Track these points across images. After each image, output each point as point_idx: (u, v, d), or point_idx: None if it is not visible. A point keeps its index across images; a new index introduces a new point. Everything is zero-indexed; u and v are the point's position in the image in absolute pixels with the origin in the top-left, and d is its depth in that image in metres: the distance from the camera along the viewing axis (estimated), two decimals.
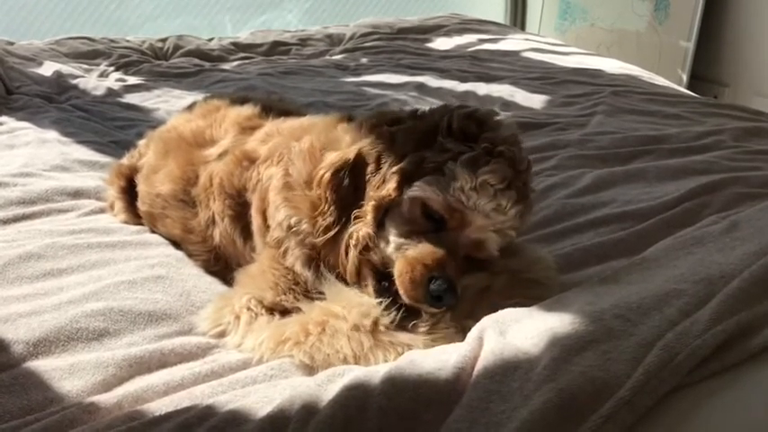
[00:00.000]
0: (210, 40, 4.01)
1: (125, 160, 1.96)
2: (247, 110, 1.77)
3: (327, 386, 1.07)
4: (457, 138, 1.28)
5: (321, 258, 1.34)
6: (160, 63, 3.61)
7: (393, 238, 1.26)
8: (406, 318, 1.24)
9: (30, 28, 4.24)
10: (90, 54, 3.60)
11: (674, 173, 1.96)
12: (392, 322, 1.23)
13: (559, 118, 2.57)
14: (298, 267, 1.35)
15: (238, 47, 3.90)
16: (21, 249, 1.59)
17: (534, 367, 1.02)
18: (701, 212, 1.69)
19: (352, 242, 1.28)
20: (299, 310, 1.31)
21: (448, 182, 1.23)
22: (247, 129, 1.67)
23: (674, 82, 3.42)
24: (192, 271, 1.60)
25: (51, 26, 4.29)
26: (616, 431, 0.94)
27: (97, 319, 1.33)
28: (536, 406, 0.95)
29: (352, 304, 1.24)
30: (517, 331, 1.12)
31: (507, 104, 2.82)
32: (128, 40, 3.86)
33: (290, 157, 1.40)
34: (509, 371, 1.03)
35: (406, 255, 1.23)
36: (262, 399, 1.09)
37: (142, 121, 2.62)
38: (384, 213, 1.28)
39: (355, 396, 1.02)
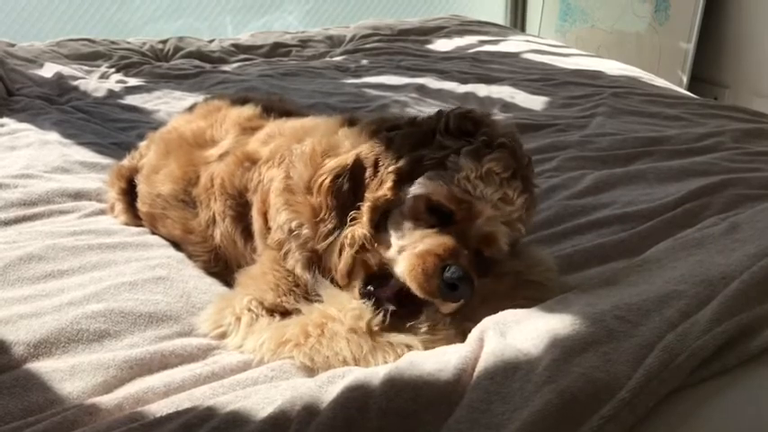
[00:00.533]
0: (211, 41, 4.01)
1: (125, 162, 1.96)
2: (248, 110, 1.78)
3: (328, 387, 1.07)
4: (454, 136, 1.29)
5: (320, 262, 1.33)
6: (161, 64, 3.61)
7: (395, 240, 1.25)
8: (401, 321, 1.23)
9: (31, 29, 4.25)
10: (91, 56, 3.60)
11: (675, 174, 1.96)
12: (383, 322, 1.22)
13: (560, 119, 2.57)
14: (298, 270, 1.35)
15: (239, 48, 3.91)
16: (21, 251, 1.59)
17: (535, 368, 1.02)
18: (701, 214, 1.69)
19: (347, 241, 1.27)
20: (299, 311, 1.31)
21: (452, 174, 1.22)
22: (248, 129, 1.67)
23: (674, 83, 3.42)
24: (193, 272, 1.60)
25: (52, 28, 4.29)
26: None
27: (98, 321, 1.34)
28: (537, 407, 0.95)
29: (346, 308, 1.24)
30: (518, 332, 1.12)
31: (507, 106, 2.82)
32: (128, 42, 3.87)
33: (292, 159, 1.40)
34: (510, 372, 1.03)
35: (414, 250, 1.20)
36: (263, 400, 1.09)
37: (143, 123, 2.62)
38: (384, 216, 1.28)
39: (356, 397, 1.02)
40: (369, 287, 1.26)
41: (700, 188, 1.80)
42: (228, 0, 4.80)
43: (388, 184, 1.26)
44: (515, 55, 3.71)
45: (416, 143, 1.29)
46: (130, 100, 2.98)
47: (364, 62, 3.66)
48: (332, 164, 1.32)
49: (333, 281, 1.32)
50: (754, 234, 1.37)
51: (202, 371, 1.22)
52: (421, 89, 3.08)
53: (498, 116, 2.65)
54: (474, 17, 4.72)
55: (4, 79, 2.91)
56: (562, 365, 1.01)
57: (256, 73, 3.40)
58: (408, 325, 1.23)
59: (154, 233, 1.79)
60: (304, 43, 4.04)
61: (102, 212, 1.92)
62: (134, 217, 1.84)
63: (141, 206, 1.79)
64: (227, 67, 3.58)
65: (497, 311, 1.20)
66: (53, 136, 2.42)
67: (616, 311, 1.12)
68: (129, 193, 1.86)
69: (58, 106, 2.81)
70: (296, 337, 1.24)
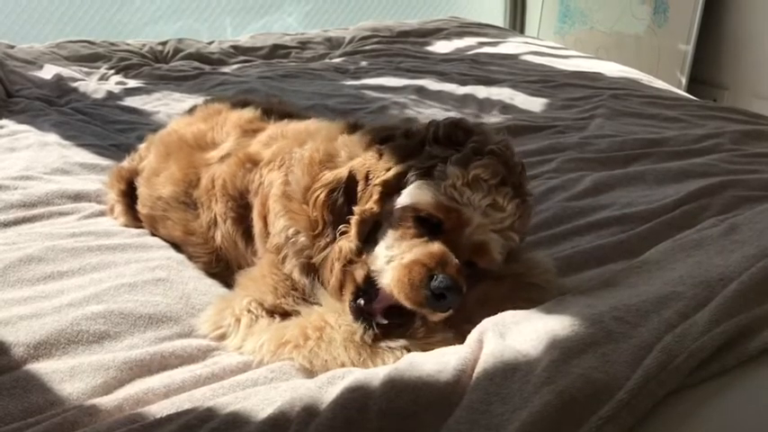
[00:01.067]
0: (211, 43, 4.02)
1: (125, 163, 1.97)
2: (248, 113, 1.78)
3: (328, 388, 1.08)
4: (443, 144, 1.27)
5: (317, 270, 1.33)
6: (160, 66, 3.61)
7: (384, 251, 1.23)
8: (392, 334, 1.22)
9: (30, 31, 4.25)
10: (90, 57, 3.61)
11: (674, 176, 1.97)
12: (374, 338, 1.20)
13: (559, 121, 2.58)
14: (296, 275, 1.35)
15: (238, 50, 3.91)
16: (21, 252, 1.59)
17: (534, 369, 1.03)
18: (700, 215, 1.69)
19: (335, 256, 1.26)
20: (298, 313, 1.31)
21: (438, 182, 1.21)
22: (249, 131, 1.68)
23: (673, 85, 3.43)
24: (193, 273, 1.60)
25: (52, 29, 4.30)
26: None
27: (98, 322, 1.34)
28: (536, 408, 0.95)
29: (340, 321, 1.23)
30: (517, 334, 1.12)
31: (507, 108, 2.82)
32: (128, 44, 3.87)
33: (291, 163, 1.40)
34: (509, 373, 1.04)
35: (401, 261, 1.19)
36: (262, 401, 1.09)
37: (142, 125, 2.63)
38: (373, 229, 1.27)
39: (356, 398, 1.02)
40: (359, 301, 1.23)
41: (698, 190, 1.81)
42: (228, 2, 4.81)
43: (375, 197, 1.25)
44: (514, 57, 3.72)
45: (406, 154, 1.28)
46: (130, 101, 2.98)
47: (363, 64, 3.67)
48: (327, 177, 1.31)
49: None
50: (752, 235, 1.38)
51: (202, 372, 1.22)
52: (420, 91, 3.09)
53: (494, 119, 2.65)
54: (473, 19, 4.73)
55: (3, 81, 2.91)
56: (561, 366, 1.01)
57: (256, 74, 3.40)
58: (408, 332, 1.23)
59: (154, 235, 1.79)
60: (303, 45, 4.04)
61: (101, 214, 1.92)
62: (134, 218, 1.84)
63: (142, 208, 1.80)
64: (226, 69, 3.58)
65: (497, 314, 1.20)
66: (53, 137, 2.42)
67: (615, 313, 1.12)
68: (129, 194, 1.86)
69: (57, 108, 2.82)
70: (295, 338, 1.24)
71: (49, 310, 1.39)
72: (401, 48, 3.95)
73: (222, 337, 1.35)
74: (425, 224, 1.22)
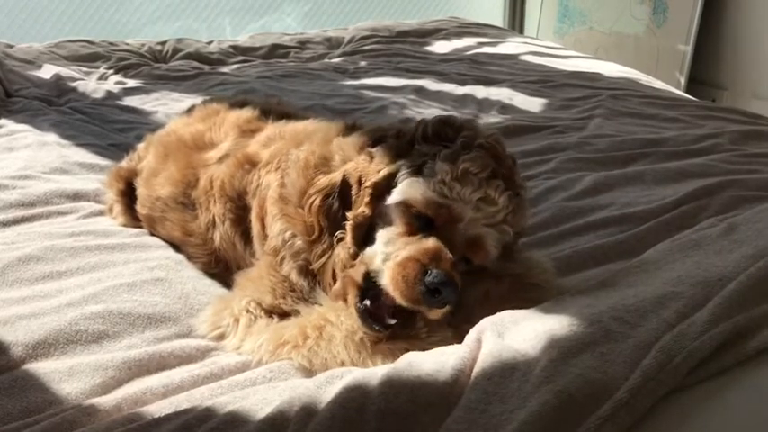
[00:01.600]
0: (210, 43, 4.02)
1: (124, 163, 1.96)
2: (246, 113, 1.78)
3: (326, 388, 1.08)
4: (432, 142, 1.27)
5: (316, 276, 1.33)
6: (159, 66, 3.61)
7: (380, 250, 1.22)
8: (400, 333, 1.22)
9: (29, 31, 4.25)
10: (89, 57, 3.61)
11: (673, 176, 1.97)
12: (380, 339, 1.20)
13: (558, 121, 2.58)
14: (294, 277, 1.35)
15: (237, 50, 3.91)
16: (20, 252, 1.59)
17: (532, 369, 1.03)
18: (698, 215, 1.69)
19: (336, 265, 1.27)
20: (297, 312, 1.31)
21: (428, 180, 1.20)
22: (248, 132, 1.68)
23: (672, 85, 3.43)
24: (191, 273, 1.60)
25: (51, 29, 4.30)
26: None
27: (96, 322, 1.34)
28: (534, 407, 0.95)
29: (343, 317, 1.23)
30: (515, 333, 1.12)
31: (506, 108, 2.82)
32: (127, 43, 3.87)
33: (287, 166, 1.40)
34: (507, 373, 1.04)
35: (396, 259, 1.18)
36: (261, 400, 1.09)
37: (141, 124, 2.62)
38: (370, 230, 1.26)
39: (354, 398, 1.02)
40: (365, 302, 1.22)
41: (697, 190, 1.81)
42: (227, 2, 4.81)
43: (366, 199, 1.25)
44: (514, 57, 3.72)
45: (395, 155, 1.28)
46: (129, 101, 2.98)
47: (363, 64, 3.67)
48: (322, 182, 1.31)
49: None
50: (751, 235, 1.38)
51: (201, 372, 1.22)
52: (419, 91, 3.09)
53: (493, 119, 2.65)
54: (472, 19, 4.73)
55: (2, 80, 2.91)
56: (560, 366, 1.01)
57: (255, 74, 3.40)
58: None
59: (153, 235, 1.79)
60: (302, 45, 4.04)
61: (100, 214, 1.92)
62: (133, 218, 1.84)
63: (141, 209, 1.80)
64: (225, 69, 3.59)
65: (494, 311, 1.20)
66: (51, 137, 2.42)
67: (614, 312, 1.12)
68: (128, 194, 1.86)
69: (56, 107, 2.82)
70: (294, 338, 1.24)
71: (47, 309, 1.39)
72: (400, 48, 3.95)
73: (221, 337, 1.34)
74: (418, 221, 1.21)
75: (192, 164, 1.68)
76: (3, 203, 1.86)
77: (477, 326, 1.17)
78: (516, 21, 5.53)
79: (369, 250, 1.24)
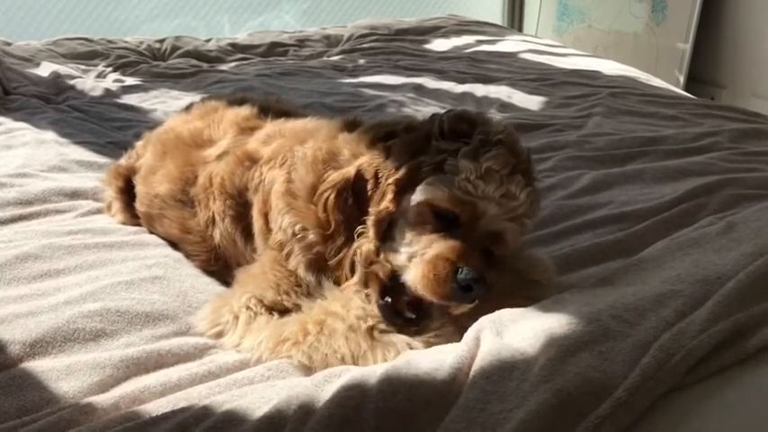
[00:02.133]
0: (208, 40, 4.01)
1: (123, 161, 1.96)
2: (245, 110, 1.77)
3: (324, 386, 1.07)
4: (450, 138, 1.28)
5: (325, 266, 1.33)
6: (158, 64, 3.60)
7: (404, 249, 1.24)
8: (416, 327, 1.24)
9: (27, 28, 4.24)
10: (88, 55, 3.60)
11: (672, 174, 1.97)
12: (387, 332, 1.22)
13: (557, 119, 2.58)
14: (301, 271, 1.35)
15: (236, 48, 3.90)
16: (18, 250, 1.58)
17: (531, 368, 1.03)
18: (697, 213, 1.69)
19: (357, 258, 1.27)
20: (298, 308, 1.31)
21: (451, 177, 1.22)
22: (246, 129, 1.67)
23: (671, 83, 3.43)
24: (190, 271, 1.60)
25: (49, 27, 4.29)
26: (613, 431, 0.94)
27: (94, 320, 1.33)
28: (533, 406, 0.95)
29: (351, 305, 1.24)
30: (514, 332, 1.12)
31: (505, 106, 2.82)
32: (125, 41, 3.86)
33: (294, 161, 1.40)
34: (506, 371, 1.03)
35: (424, 257, 1.20)
36: (259, 399, 1.09)
37: (140, 122, 2.62)
38: (390, 226, 1.27)
39: (352, 396, 1.02)
40: (386, 299, 1.25)
41: (696, 188, 1.81)
42: None
43: (389, 196, 1.26)
44: (513, 55, 3.71)
45: (414, 151, 1.29)
46: (127, 99, 2.98)
47: (361, 62, 3.66)
48: (334, 177, 1.32)
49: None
50: (750, 233, 1.38)
51: (199, 370, 1.21)
52: (418, 89, 3.08)
53: (494, 114, 2.65)
54: (471, 17, 4.72)
55: (0, 78, 2.90)
56: (558, 365, 1.01)
57: (253, 72, 3.40)
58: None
59: (152, 233, 1.78)
60: (301, 43, 4.04)
61: (98, 212, 1.92)
62: (131, 216, 1.84)
63: (139, 206, 1.79)
64: (224, 67, 3.58)
65: (495, 308, 1.20)
66: (50, 135, 2.42)
67: (612, 311, 1.12)
68: (127, 191, 1.86)
69: (54, 105, 2.81)
70: (294, 335, 1.24)
71: (45, 308, 1.38)
72: (399, 46, 3.94)
73: (220, 334, 1.34)
74: (442, 219, 1.23)
75: (191, 161, 1.67)
76: (0, 201, 1.86)
77: (475, 324, 1.17)
78: (515, 19, 5.53)
79: (392, 247, 1.26)
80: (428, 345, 1.20)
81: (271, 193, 1.42)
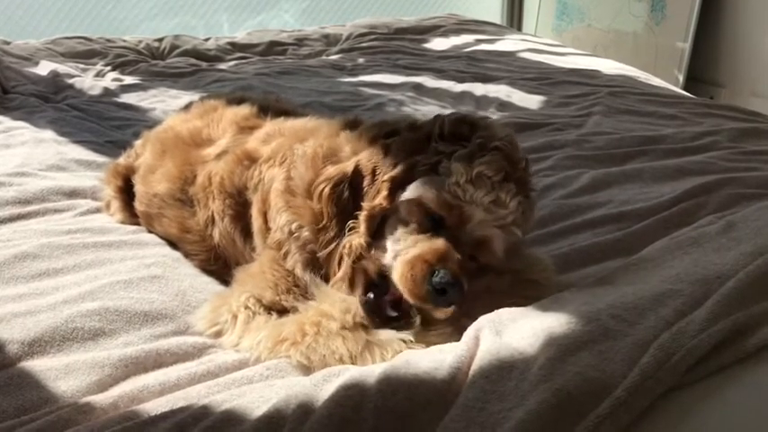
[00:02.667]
0: (207, 39, 4.00)
1: (122, 160, 1.96)
2: (245, 110, 1.77)
3: (323, 386, 1.07)
4: (449, 141, 1.27)
5: (319, 264, 1.33)
6: (157, 63, 3.60)
7: (391, 245, 1.24)
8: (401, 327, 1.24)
9: (26, 27, 4.23)
10: (86, 54, 3.59)
11: (671, 173, 1.97)
12: (386, 325, 1.22)
13: (556, 118, 2.57)
14: (298, 271, 1.35)
15: (235, 47, 3.90)
16: (16, 249, 1.58)
17: (530, 367, 1.02)
18: (697, 213, 1.69)
19: (345, 251, 1.27)
20: (296, 309, 1.31)
21: (443, 179, 1.21)
22: (246, 128, 1.67)
23: (670, 83, 3.43)
24: (189, 271, 1.60)
25: (48, 26, 4.28)
26: (612, 431, 0.94)
27: (93, 319, 1.33)
28: (532, 406, 0.95)
29: (335, 301, 1.25)
30: (513, 331, 1.12)
31: (504, 105, 2.82)
32: (124, 40, 3.85)
33: (293, 159, 1.40)
34: (505, 371, 1.03)
35: (405, 257, 1.20)
36: (258, 398, 1.09)
37: (138, 121, 2.62)
38: (381, 223, 1.27)
39: (351, 396, 1.02)
40: (369, 294, 1.25)
41: (695, 187, 1.80)
42: None
43: (383, 192, 1.26)
44: (512, 54, 3.71)
45: (412, 150, 1.29)
46: (126, 98, 2.97)
47: (361, 61, 3.66)
48: (332, 171, 1.32)
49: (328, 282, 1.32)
50: (749, 233, 1.38)
51: (197, 369, 1.21)
52: (417, 88, 3.08)
53: (496, 117, 2.65)
54: (471, 16, 4.72)
55: None
56: (558, 364, 1.01)
57: (252, 71, 3.39)
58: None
59: (150, 232, 1.78)
60: (300, 42, 4.03)
61: (97, 211, 1.91)
62: (130, 215, 1.84)
63: (138, 206, 1.79)
64: (223, 66, 3.57)
65: (494, 308, 1.20)
66: (48, 134, 2.41)
67: (612, 310, 1.12)
68: (126, 191, 1.85)
69: (53, 104, 2.81)
70: (293, 335, 1.24)
71: (43, 307, 1.38)
72: (398, 45, 3.94)
73: (218, 334, 1.34)
74: (429, 219, 1.23)
75: (190, 160, 1.67)
76: None
77: (474, 324, 1.17)
78: (514, 18, 5.52)
79: (382, 244, 1.26)
80: (427, 344, 1.20)
81: (270, 191, 1.42)
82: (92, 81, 3.16)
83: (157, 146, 1.79)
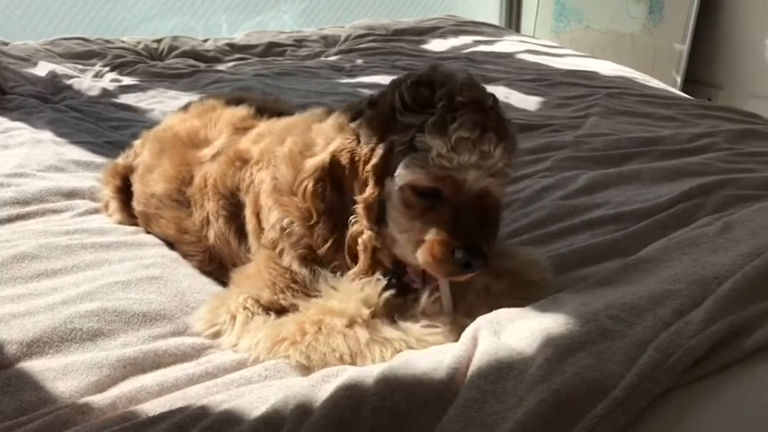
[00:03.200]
0: (206, 40, 4.00)
1: (120, 160, 1.96)
2: (242, 110, 1.77)
3: (322, 386, 1.07)
4: (414, 110, 1.26)
5: (319, 258, 1.34)
6: (155, 64, 3.60)
7: (400, 235, 1.26)
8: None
9: (25, 28, 4.23)
10: (85, 54, 3.59)
11: (669, 174, 1.97)
12: (391, 305, 1.26)
13: (554, 120, 2.58)
14: (295, 267, 1.35)
15: (234, 48, 3.90)
16: (15, 250, 1.58)
17: (528, 368, 1.03)
18: (694, 214, 1.69)
19: (360, 248, 1.29)
20: (295, 308, 1.31)
21: (425, 154, 1.21)
22: (241, 129, 1.67)
23: (668, 84, 3.43)
24: (187, 271, 1.60)
25: (46, 26, 4.28)
26: (610, 431, 0.94)
27: (91, 320, 1.33)
28: (530, 406, 0.95)
29: (352, 295, 1.25)
30: (511, 332, 1.12)
31: (502, 106, 2.81)
32: (123, 41, 3.85)
33: (275, 162, 1.41)
34: (503, 371, 1.03)
35: (423, 243, 1.22)
36: (256, 399, 1.09)
37: (137, 122, 2.61)
38: (381, 208, 1.28)
39: (349, 396, 1.02)
40: (392, 280, 1.29)
41: (693, 188, 1.81)
42: None
43: (371, 182, 1.27)
44: (510, 55, 3.71)
45: (381, 128, 1.28)
46: (124, 99, 2.97)
47: (359, 62, 3.66)
48: (309, 166, 1.32)
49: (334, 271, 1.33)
50: (747, 234, 1.38)
51: (196, 370, 1.21)
52: None
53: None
54: (469, 17, 4.72)
55: None
56: (556, 365, 1.01)
57: (251, 72, 3.39)
58: (409, 314, 1.26)
59: (148, 232, 1.78)
60: (299, 43, 4.03)
61: (95, 211, 1.91)
62: (129, 215, 1.84)
63: (136, 205, 1.79)
64: (221, 67, 3.57)
65: (493, 308, 1.21)
66: (46, 135, 2.41)
67: (610, 311, 1.12)
68: (124, 191, 1.85)
69: (51, 105, 2.80)
70: (292, 335, 1.23)
71: (42, 307, 1.38)
72: (397, 46, 3.94)
73: (217, 334, 1.34)
74: (426, 196, 1.24)
75: (187, 161, 1.67)
76: None
77: (473, 324, 1.17)
78: (513, 19, 5.52)
79: (389, 234, 1.28)
80: (424, 342, 1.20)
81: (260, 193, 1.43)
82: (90, 82, 3.16)
83: (156, 145, 1.80)
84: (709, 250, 1.33)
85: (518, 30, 5.38)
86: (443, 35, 4.21)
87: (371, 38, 4.08)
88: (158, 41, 3.88)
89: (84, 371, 1.20)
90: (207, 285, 1.55)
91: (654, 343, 1.03)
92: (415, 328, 1.23)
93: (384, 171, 1.26)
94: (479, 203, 1.25)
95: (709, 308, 1.10)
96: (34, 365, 1.23)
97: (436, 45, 4.02)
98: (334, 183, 1.30)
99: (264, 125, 1.64)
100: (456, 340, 1.16)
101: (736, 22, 4.12)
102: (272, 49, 3.93)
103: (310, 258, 1.34)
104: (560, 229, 1.72)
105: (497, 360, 1.05)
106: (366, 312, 1.23)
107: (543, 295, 1.27)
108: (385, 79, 3.21)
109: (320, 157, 1.32)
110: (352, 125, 1.33)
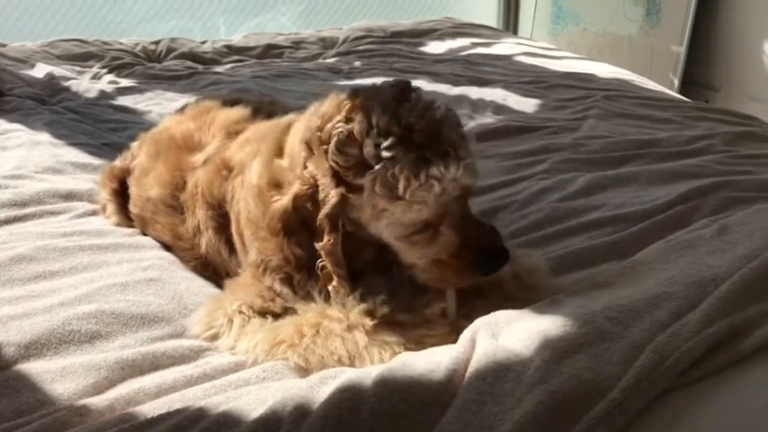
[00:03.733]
0: (204, 42, 4.00)
1: (118, 162, 1.95)
2: (236, 113, 1.76)
3: (320, 388, 1.07)
4: (354, 170, 1.22)
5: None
6: (153, 65, 3.59)
7: (415, 261, 1.28)
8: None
9: (22, 30, 4.23)
10: (82, 56, 3.59)
11: (666, 177, 1.97)
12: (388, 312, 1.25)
13: (552, 122, 2.58)
14: (277, 287, 1.35)
15: (231, 49, 3.90)
16: (12, 252, 1.58)
17: (526, 369, 1.03)
18: (692, 216, 1.69)
19: (332, 292, 1.27)
20: (293, 311, 1.31)
21: (398, 203, 1.20)
22: (233, 134, 1.65)
23: (665, 86, 3.43)
24: (185, 274, 1.59)
25: (44, 28, 4.28)
26: None
27: (89, 322, 1.33)
28: (528, 408, 0.95)
29: (350, 308, 1.25)
30: (509, 333, 1.12)
31: (500, 108, 2.82)
32: (120, 43, 3.85)
33: (244, 192, 1.40)
34: (501, 373, 1.04)
35: (443, 265, 1.26)
36: (254, 401, 1.09)
37: (134, 124, 2.61)
38: (361, 244, 1.29)
39: (348, 398, 1.02)
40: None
41: (691, 190, 1.81)
42: (221, 1, 4.79)
43: (327, 230, 1.25)
44: (508, 57, 3.72)
45: (333, 177, 1.24)
46: (122, 101, 2.97)
47: (357, 64, 3.66)
48: (277, 208, 1.29)
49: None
50: (744, 236, 1.38)
51: (194, 372, 1.21)
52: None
53: (487, 119, 2.64)
54: (467, 20, 4.72)
55: None
56: (553, 366, 1.01)
57: (249, 74, 3.39)
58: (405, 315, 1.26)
59: (146, 235, 1.78)
60: (297, 45, 4.03)
61: (93, 213, 1.91)
62: (126, 218, 1.83)
63: (133, 209, 1.78)
64: (219, 69, 3.57)
65: (491, 311, 1.20)
66: (44, 136, 2.41)
67: (607, 313, 1.12)
68: (121, 193, 1.85)
69: (49, 107, 2.80)
70: (290, 337, 1.23)
71: (40, 309, 1.38)
72: (395, 48, 3.94)
73: (215, 337, 1.34)
74: (424, 227, 1.24)
75: (181, 165, 1.66)
76: None
77: (471, 326, 1.17)
78: (510, 21, 5.53)
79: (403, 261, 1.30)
80: (422, 344, 1.20)
81: (240, 214, 1.42)
82: (88, 84, 3.16)
83: (152, 147, 1.79)
84: (707, 252, 1.33)
85: (515, 32, 5.39)
86: (441, 37, 4.21)
87: (369, 40, 4.08)
88: (156, 43, 3.87)
89: (82, 373, 1.20)
90: (204, 288, 1.55)
91: (651, 345, 1.03)
92: (413, 331, 1.23)
93: (338, 216, 1.24)
94: (469, 192, 1.28)
95: (705, 310, 1.10)
96: (32, 367, 1.23)
97: (434, 47, 4.03)
98: (304, 224, 1.27)
99: (251, 129, 1.62)
100: (454, 342, 1.16)
101: (734, 25, 4.13)
102: (270, 50, 3.93)
103: (290, 280, 1.33)
104: (558, 231, 1.72)
105: (495, 362, 1.06)
106: (368, 321, 1.22)
107: (541, 297, 1.27)
108: (383, 81, 3.23)
109: (284, 203, 1.28)
110: (307, 169, 1.27)
